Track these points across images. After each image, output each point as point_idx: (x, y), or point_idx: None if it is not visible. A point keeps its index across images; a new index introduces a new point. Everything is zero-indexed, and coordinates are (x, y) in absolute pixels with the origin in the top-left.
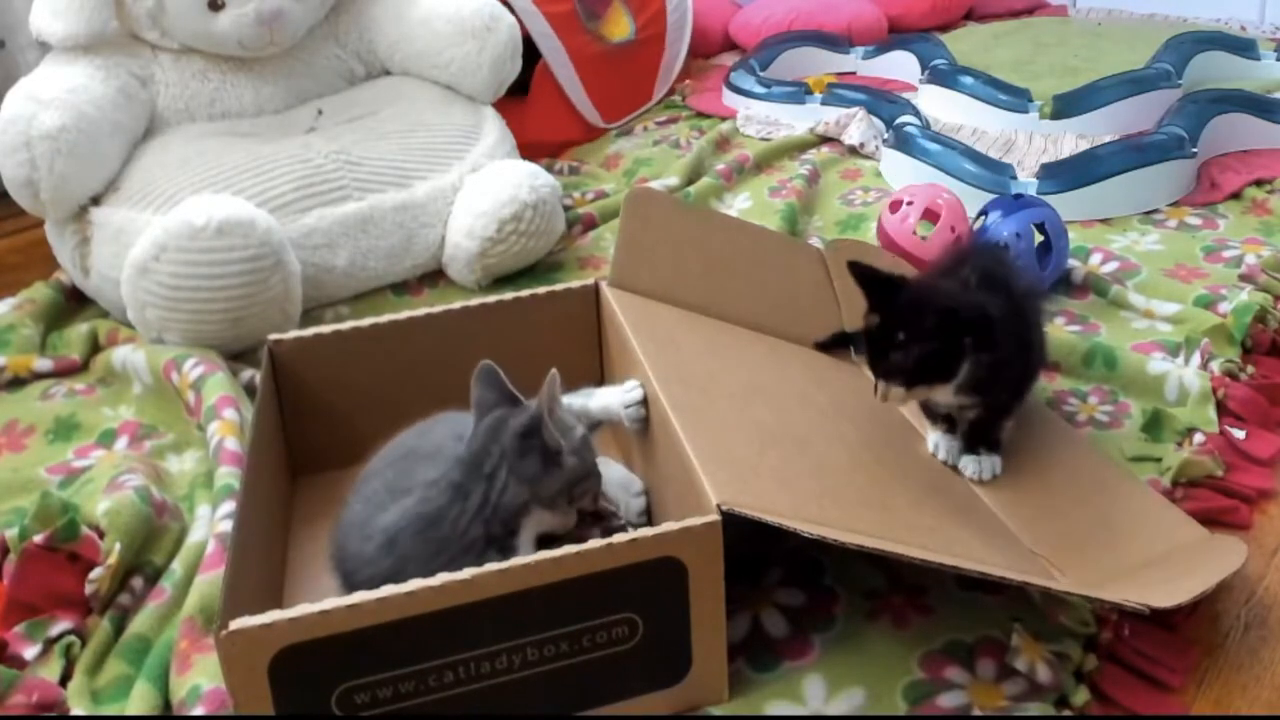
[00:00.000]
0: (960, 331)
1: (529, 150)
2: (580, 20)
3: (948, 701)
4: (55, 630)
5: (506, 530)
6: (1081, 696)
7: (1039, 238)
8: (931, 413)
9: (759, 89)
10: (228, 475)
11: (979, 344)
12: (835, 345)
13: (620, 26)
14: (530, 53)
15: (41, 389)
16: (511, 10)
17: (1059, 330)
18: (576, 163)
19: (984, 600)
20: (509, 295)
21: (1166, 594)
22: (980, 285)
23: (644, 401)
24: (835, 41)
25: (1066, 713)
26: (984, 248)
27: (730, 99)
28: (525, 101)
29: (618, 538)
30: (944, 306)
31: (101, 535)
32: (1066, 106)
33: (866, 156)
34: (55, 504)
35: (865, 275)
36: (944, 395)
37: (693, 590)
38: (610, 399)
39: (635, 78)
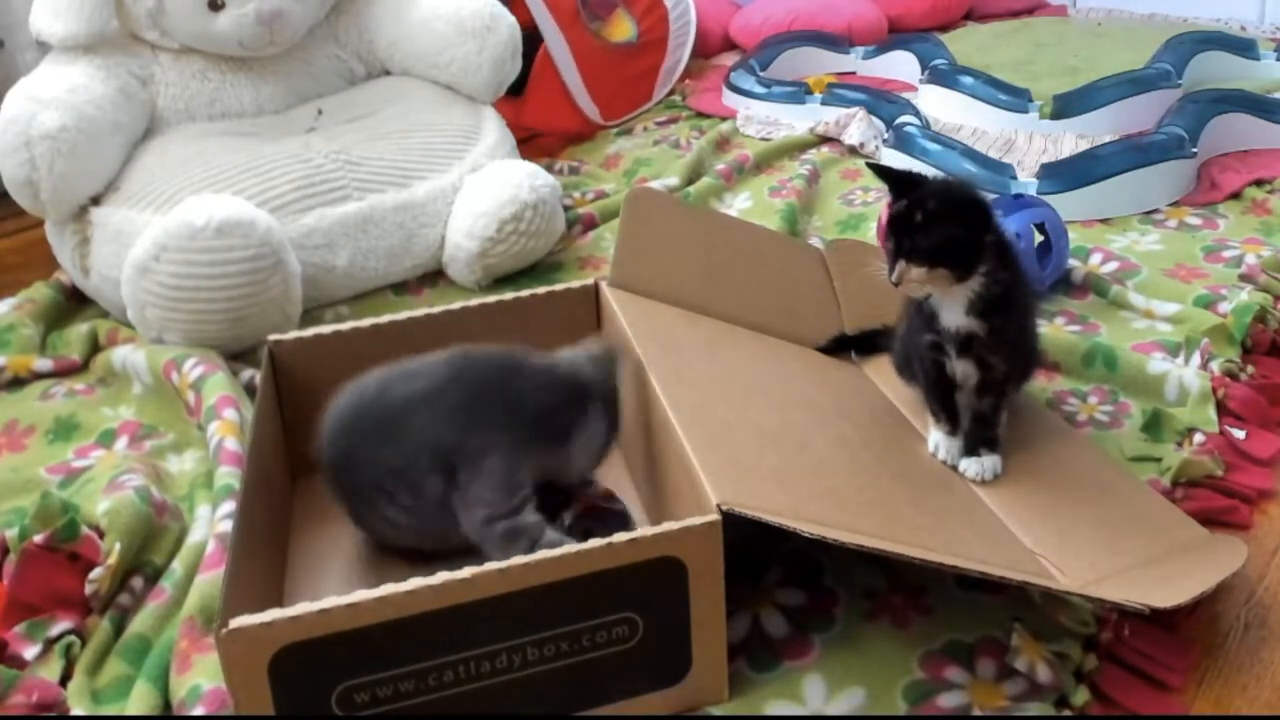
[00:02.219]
0: (984, 226)
1: (528, 144)
2: (583, 18)
3: (948, 701)
4: (55, 630)
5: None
6: (1081, 696)
7: (1039, 238)
8: (937, 403)
9: (759, 89)
10: (228, 475)
11: (998, 257)
12: (837, 349)
13: (622, 29)
14: (527, 52)
15: (41, 389)
16: None
17: (1059, 330)
18: (576, 163)
19: (984, 600)
20: (509, 295)
21: (1166, 594)
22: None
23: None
24: (835, 41)
25: (1066, 713)
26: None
27: (730, 99)
28: (525, 90)
29: (617, 537)
30: (975, 197)
31: (101, 535)
32: (1066, 106)
33: (866, 156)
34: (55, 504)
35: (884, 171)
36: (954, 312)
37: (693, 590)
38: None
39: (635, 79)
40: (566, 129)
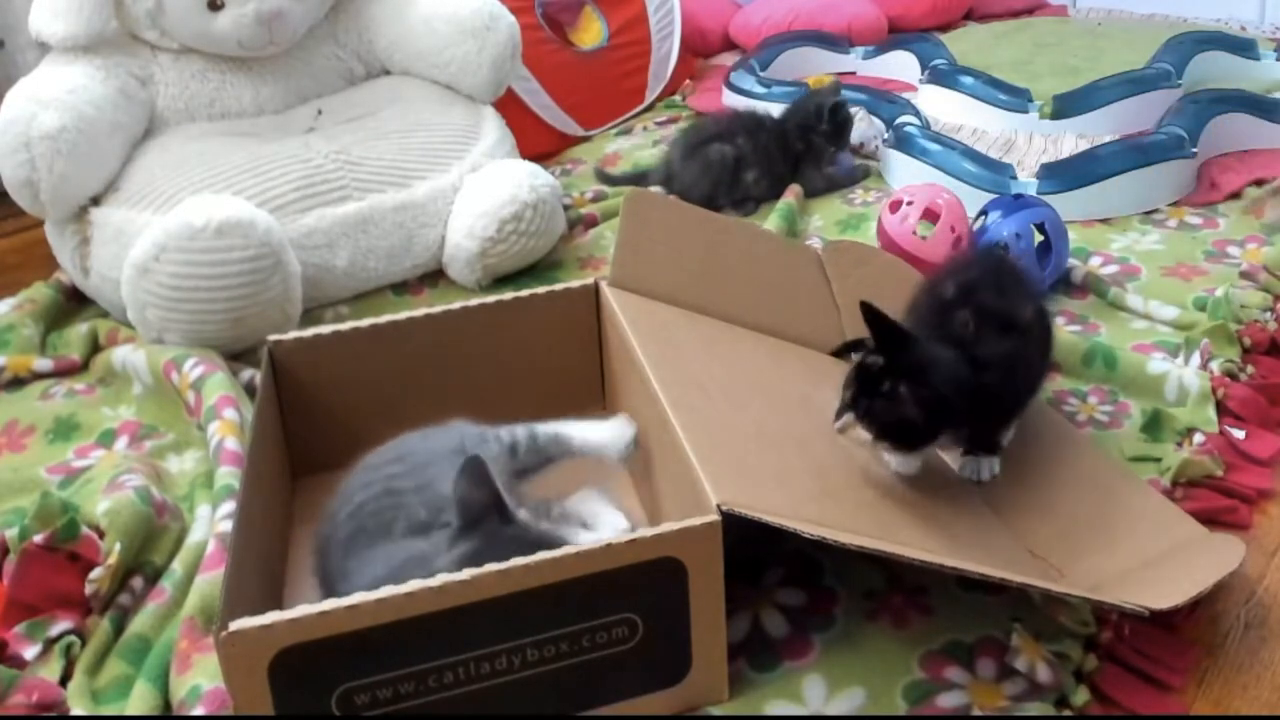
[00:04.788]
0: (942, 416)
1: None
2: (543, 31)
3: (948, 701)
4: (55, 630)
5: None
6: (1081, 696)
7: (1039, 238)
8: None
9: (759, 89)
10: (228, 475)
11: (957, 422)
12: (846, 353)
13: (592, 33)
14: None
15: (41, 389)
16: None
17: (1059, 330)
18: (570, 165)
19: (984, 600)
20: (509, 295)
21: (1166, 594)
22: (980, 324)
23: (635, 439)
24: (835, 41)
25: (1066, 713)
26: (989, 261)
27: (730, 99)
28: None
29: (617, 538)
30: (946, 389)
31: (101, 535)
32: (1066, 106)
33: (866, 156)
34: (55, 504)
35: (877, 319)
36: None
37: (692, 590)
38: (598, 436)
39: (615, 83)
40: (538, 151)
